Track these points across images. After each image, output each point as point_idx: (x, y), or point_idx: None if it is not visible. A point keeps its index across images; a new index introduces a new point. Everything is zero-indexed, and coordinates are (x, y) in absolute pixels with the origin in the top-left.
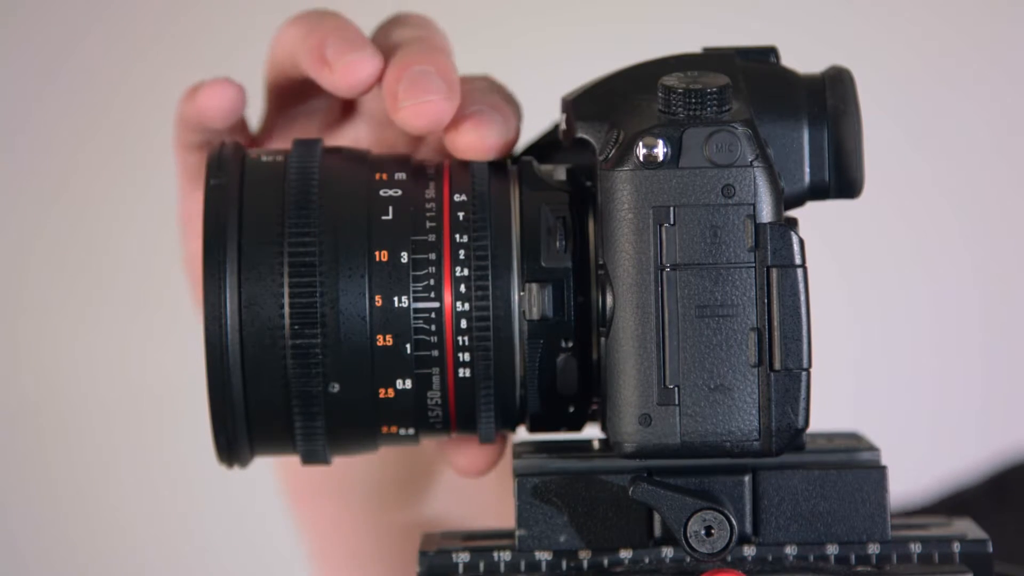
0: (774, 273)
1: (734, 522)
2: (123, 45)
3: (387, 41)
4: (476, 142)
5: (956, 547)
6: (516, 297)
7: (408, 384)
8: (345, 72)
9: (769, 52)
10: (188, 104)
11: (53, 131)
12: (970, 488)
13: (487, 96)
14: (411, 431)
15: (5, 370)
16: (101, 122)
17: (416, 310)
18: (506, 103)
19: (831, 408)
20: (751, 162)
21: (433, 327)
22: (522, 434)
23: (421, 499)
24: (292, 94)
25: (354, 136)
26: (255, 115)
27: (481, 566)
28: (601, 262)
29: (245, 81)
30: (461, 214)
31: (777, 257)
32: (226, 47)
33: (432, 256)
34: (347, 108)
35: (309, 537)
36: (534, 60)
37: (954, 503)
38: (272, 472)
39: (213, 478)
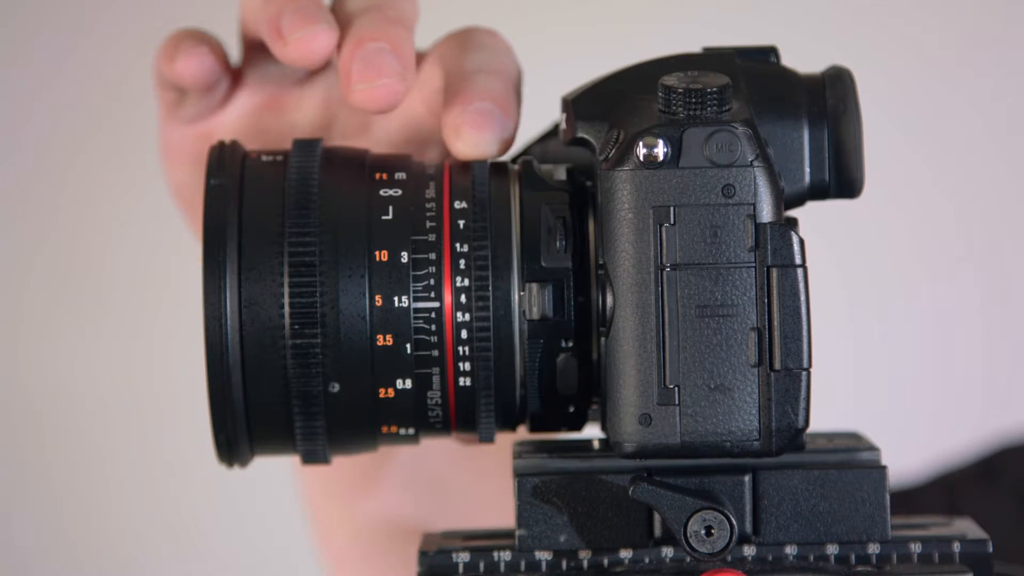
0: (774, 273)
1: (734, 522)
2: (123, 45)
3: (344, 10)
4: (476, 149)
5: (956, 547)
6: (516, 297)
7: (408, 384)
8: (298, 46)
9: (769, 52)
10: (166, 65)
11: (54, 132)
12: (960, 469)
13: (487, 85)
14: (411, 431)
15: (5, 370)
16: (101, 123)
17: (416, 310)
18: (505, 88)
19: (831, 408)
20: (751, 162)
21: (433, 327)
22: (522, 434)
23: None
24: (260, 49)
25: (315, 98)
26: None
27: (481, 566)
28: (601, 262)
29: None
30: (461, 214)
31: (777, 257)
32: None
33: (432, 256)
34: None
35: (314, 530)
36: (534, 60)
37: (945, 484)
38: (287, 468)
39: (213, 478)
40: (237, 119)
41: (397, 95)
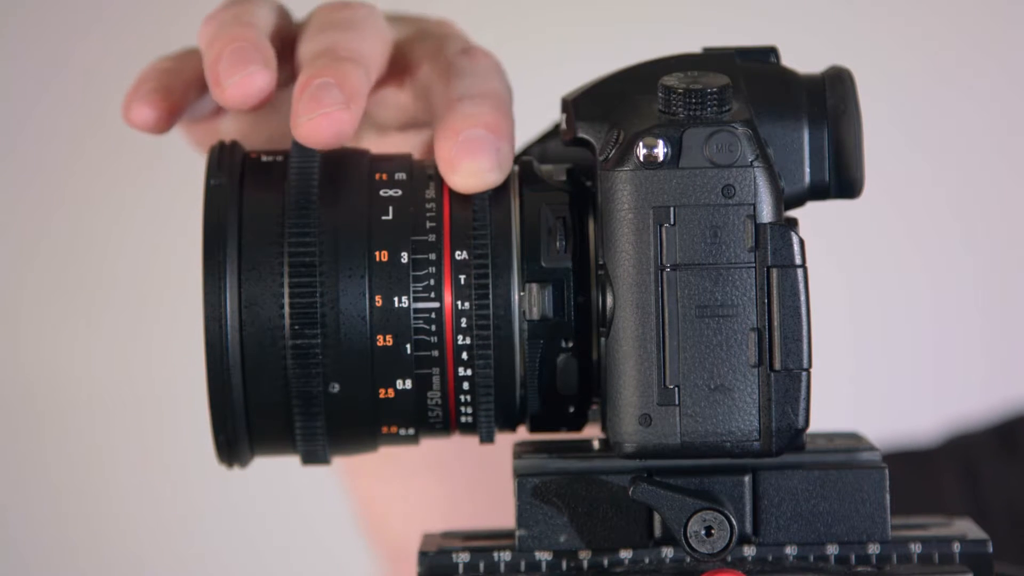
0: (774, 273)
1: (734, 522)
2: (123, 45)
3: (300, 57)
4: (475, 179)
5: (956, 547)
6: (516, 297)
7: (408, 384)
8: (233, 90)
9: (769, 52)
10: (124, 117)
11: (53, 132)
12: (977, 433)
13: (478, 110)
14: (411, 431)
15: (5, 370)
16: (101, 122)
17: (416, 310)
18: (500, 111)
19: (831, 408)
20: (751, 162)
21: (433, 327)
22: (522, 434)
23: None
24: None
25: (269, 130)
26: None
27: (481, 566)
28: (601, 262)
29: None
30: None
31: (777, 257)
32: None
33: (432, 256)
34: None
35: (365, 512)
36: (534, 60)
37: (960, 447)
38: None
39: (213, 478)
40: (236, 120)
41: (342, 123)
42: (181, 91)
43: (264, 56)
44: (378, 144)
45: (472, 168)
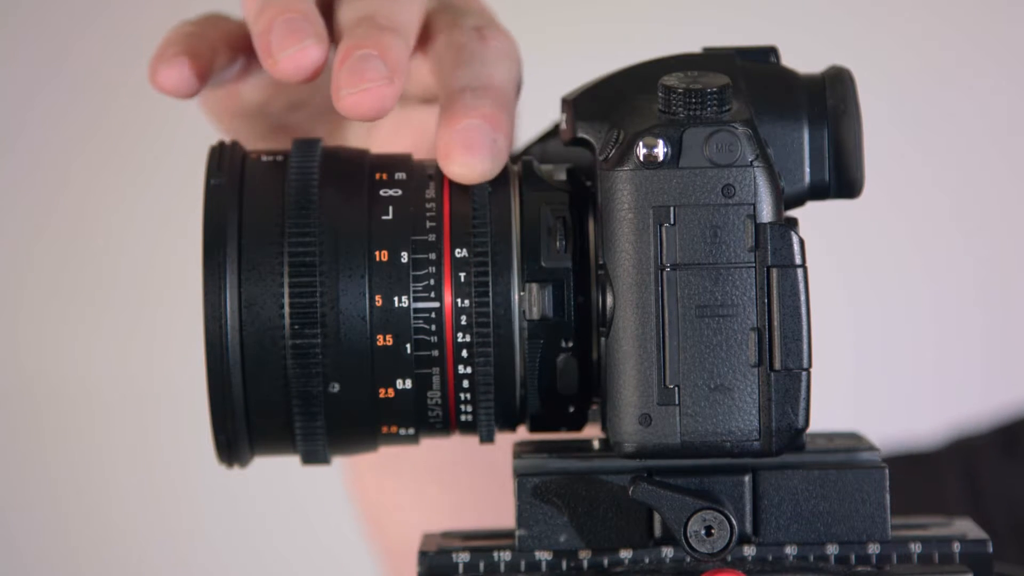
0: (774, 273)
1: (734, 522)
2: (123, 45)
3: (340, 21)
4: (469, 170)
5: (956, 547)
6: (516, 297)
7: (408, 384)
8: (286, 64)
9: (769, 52)
10: (150, 77)
11: (53, 131)
12: (979, 435)
13: (479, 102)
14: (411, 431)
15: (5, 370)
16: (101, 122)
17: (416, 310)
18: (501, 104)
19: (831, 408)
20: (751, 162)
21: (433, 327)
22: (522, 434)
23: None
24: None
25: (313, 108)
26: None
27: (481, 566)
28: (601, 262)
29: None
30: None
31: (777, 257)
32: None
33: (432, 256)
34: None
35: (367, 513)
36: (534, 60)
37: (962, 450)
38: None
39: (213, 478)
40: (257, 86)
41: (384, 99)
42: (207, 55)
43: (316, 29)
44: (402, 116)
45: (467, 159)
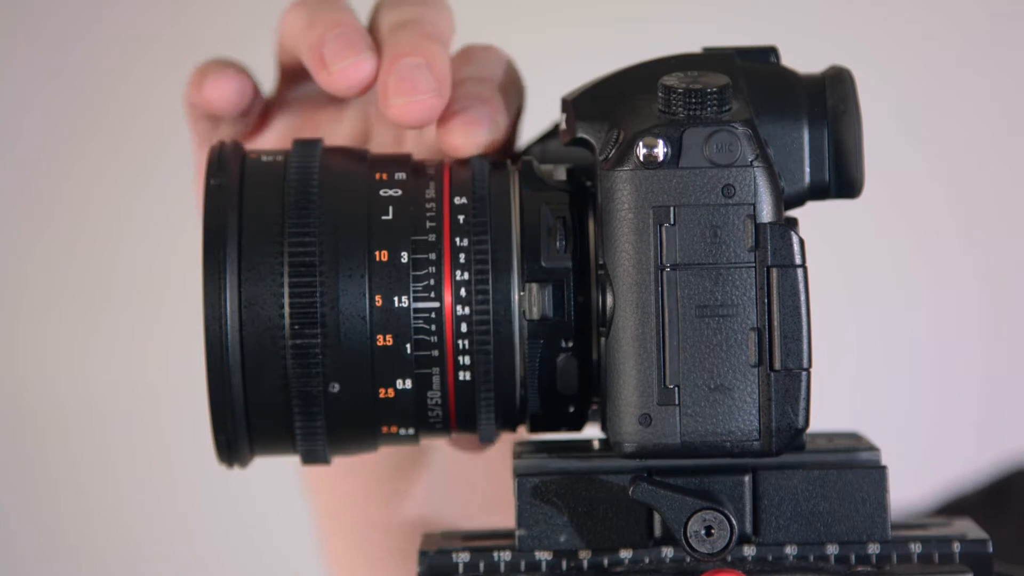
0: (774, 273)
1: (734, 522)
2: (123, 45)
3: (381, 25)
4: (464, 143)
5: (956, 547)
6: (516, 297)
7: (408, 384)
8: (341, 76)
9: (769, 52)
10: (195, 93)
11: (52, 133)
12: (970, 494)
13: (479, 88)
14: (411, 431)
15: (4, 370)
16: (100, 123)
17: (416, 310)
18: (499, 93)
19: (831, 408)
20: (751, 162)
21: (433, 327)
22: (522, 434)
23: (417, 486)
24: (299, 72)
25: (352, 116)
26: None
27: (481, 566)
28: (601, 262)
29: (250, 57)
30: (461, 214)
31: (777, 257)
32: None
33: (432, 256)
34: None
35: (319, 521)
36: (534, 60)
37: (954, 510)
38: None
39: (213, 478)
40: (274, 143)
41: (433, 110)
42: (248, 75)
43: (368, 42)
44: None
45: (463, 130)
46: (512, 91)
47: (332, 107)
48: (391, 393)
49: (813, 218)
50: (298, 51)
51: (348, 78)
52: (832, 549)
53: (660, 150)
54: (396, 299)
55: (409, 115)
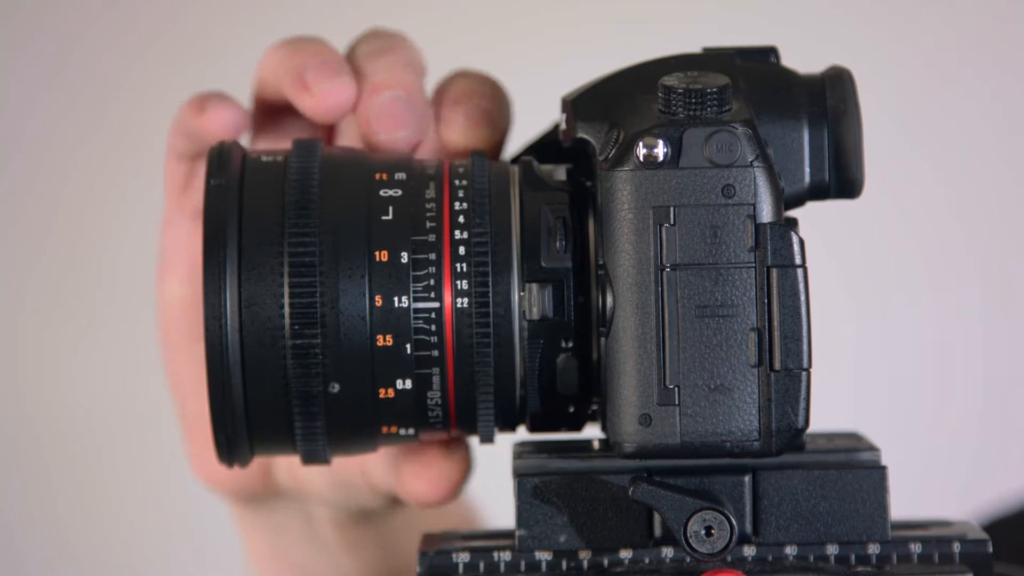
0: (774, 273)
1: (734, 522)
2: (123, 45)
3: (359, 59)
4: (467, 141)
5: (956, 547)
6: (516, 297)
7: (408, 384)
8: (322, 98)
9: (769, 52)
10: (193, 118)
11: (54, 137)
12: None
13: (473, 89)
14: (411, 431)
15: (4, 371)
16: (102, 127)
17: (416, 310)
18: (493, 97)
19: (831, 408)
20: (751, 162)
21: (433, 327)
22: (522, 434)
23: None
24: (276, 113)
25: None
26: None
27: (481, 566)
28: (601, 262)
29: (238, 85)
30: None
31: (777, 257)
32: (222, 51)
33: (432, 256)
34: (326, 130)
35: (251, 547)
36: (534, 60)
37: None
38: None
39: None
40: None
41: (411, 145)
42: (242, 108)
43: (349, 69)
44: None
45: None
46: (502, 103)
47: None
48: (391, 393)
49: (813, 218)
50: (280, 83)
51: (329, 100)
52: (832, 549)
53: (660, 150)
54: (396, 299)
55: (392, 145)
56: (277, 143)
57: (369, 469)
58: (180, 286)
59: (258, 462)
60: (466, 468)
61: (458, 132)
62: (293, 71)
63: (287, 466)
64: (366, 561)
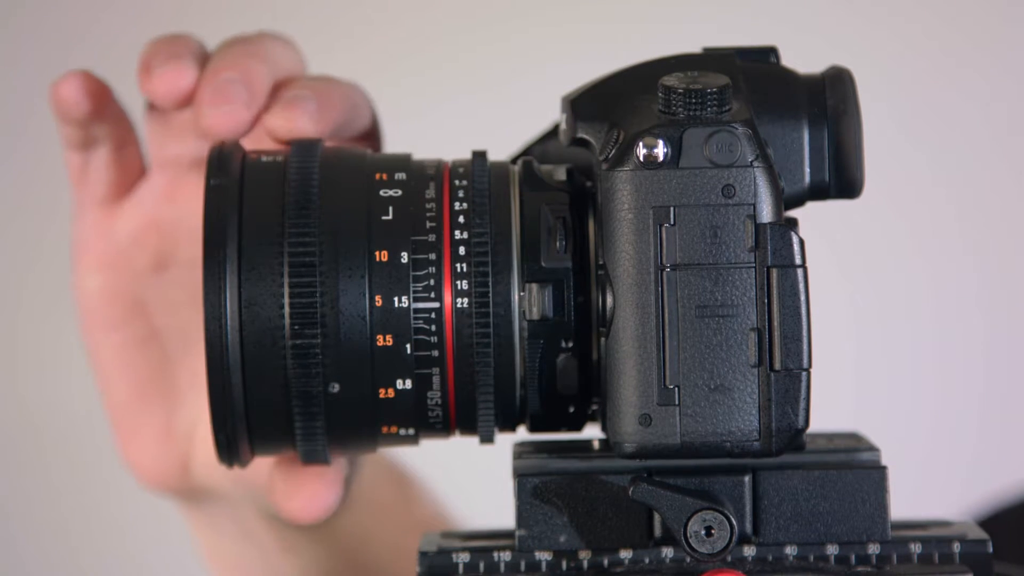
0: (774, 273)
1: (734, 522)
2: (123, 45)
3: (212, 53)
4: (284, 124)
5: (956, 547)
6: (516, 297)
7: (408, 384)
8: (160, 80)
9: (769, 52)
10: (51, 98)
11: (52, 137)
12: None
13: (309, 82)
14: (411, 431)
15: (4, 371)
16: None
17: (416, 310)
18: (332, 87)
19: (831, 408)
20: (751, 162)
21: (433, 327)
22: (522, 434)
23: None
24: (162, 114)
25: (179, 150)
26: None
27: (481, 566)
28: (601, 262)
29: None
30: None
31: (777, 257)
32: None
33: (432, 256)
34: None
35: (197, 543)
36: (534, 60)
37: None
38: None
39: None
40: (138, 210)
41: (241, 123)
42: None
43: (196, 57)
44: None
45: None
46: (337, 99)
47: (190, 175)
48: (391, 393)
49: (813, 218)
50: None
51: (167, 83)
52: (832, 549)
53: (660, 150)
54: (396, 299)
55: (219, 126)
56: (163, 164)
57: (259, 478)
58: (94, 276)
59: (176, 456)
60: (339, 490)
61: (271, 115)
62: (142, 59)
63: (204, 462)
64: (306, 562)
